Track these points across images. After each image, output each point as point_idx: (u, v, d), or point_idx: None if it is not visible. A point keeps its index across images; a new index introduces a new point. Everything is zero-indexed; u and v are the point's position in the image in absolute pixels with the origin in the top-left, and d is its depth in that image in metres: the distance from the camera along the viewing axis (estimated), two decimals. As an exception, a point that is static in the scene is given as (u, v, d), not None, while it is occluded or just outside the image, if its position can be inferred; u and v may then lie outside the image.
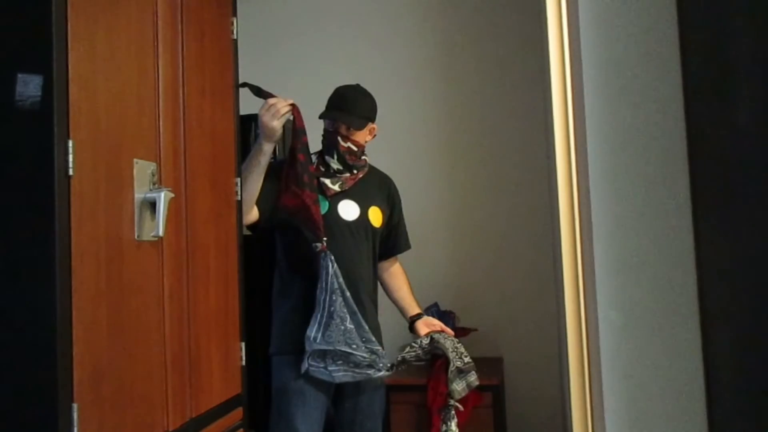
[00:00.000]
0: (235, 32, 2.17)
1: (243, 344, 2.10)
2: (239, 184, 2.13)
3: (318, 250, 2.13)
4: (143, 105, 1.62)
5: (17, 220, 1.33)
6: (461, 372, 2.24)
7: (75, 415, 1.31)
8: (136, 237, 1.54)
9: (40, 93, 1.30)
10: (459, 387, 2.24)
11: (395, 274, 2.46)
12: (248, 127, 2.70)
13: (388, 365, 2.18)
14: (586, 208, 1.22)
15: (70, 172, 1.32)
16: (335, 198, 2.28)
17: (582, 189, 1.31)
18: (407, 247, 2.49)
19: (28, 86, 1.31)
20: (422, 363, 2.44)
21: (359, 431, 2.29)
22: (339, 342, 2.08)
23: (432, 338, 2.28)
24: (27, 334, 1.31)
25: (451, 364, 2.23)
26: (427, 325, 2.34)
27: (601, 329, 1.15)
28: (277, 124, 2.13)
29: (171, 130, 1.73)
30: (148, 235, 1.58)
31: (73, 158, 1.33)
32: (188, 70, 1.83)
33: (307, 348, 2.11)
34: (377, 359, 2.13)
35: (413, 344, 2.27)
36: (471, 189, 3.31)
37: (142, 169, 1.58)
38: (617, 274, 1.15)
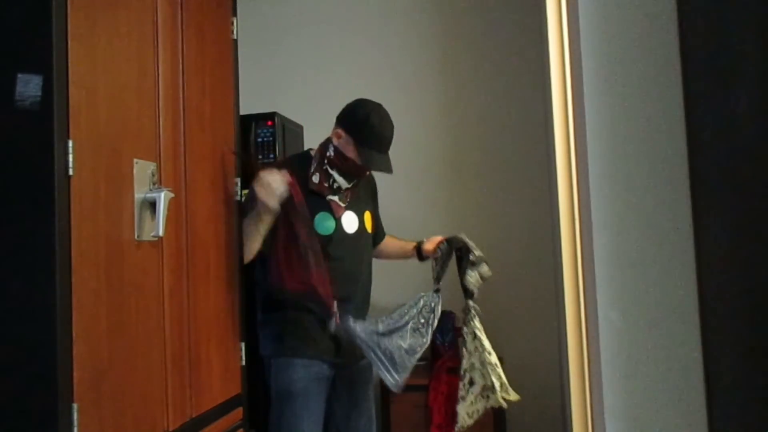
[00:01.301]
0: (235, 32, 2.17)
1: (243, 344, 2.10)
2: (239, 184, 2.12)
3: (334, 328, 2.10)
4: (143, 105, 1.62)
5: (17, 220, 1.33)
6: (473, 264, 2.26)
7: (75, 415, 1.31)
8: (136, 237, 1.54)
9: (40, 93, 1.30)
10: (472, 278, 2.26)
11: (381, 245, 2.49)
12: (248, 127, 2.71)
13: (434, 290, 2.24)
14: (586, 208, 1.22)
15: (70, 172, 1.33)
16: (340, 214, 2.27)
17: (582, 188, 1.31)
18: (384, 235, 2.51)
19: (28, 86, 1.31)
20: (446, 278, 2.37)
21: (354, 426, 2.30)
22: (409, 361, 2.14)
23: (446, 241, 2.32)
24: (27, 334, 1.31)
25: (473, 253, 2.27)
26: (431, 242, 2.37)
27: (601, 329, 1.15)
28: (273, 203, 2.03)
29: (171, 130, 1.73)
30: (148, 235, 1.58)
31: (73, 158, 1.33)
32: (188, 70, 1.83)
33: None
34: (426, 302, 2.20)
35: (434, 257, 2.32)
36: (471, 189, 3.31)
37: (142, 169, 1.58)
38: (617, 274, 1.15)
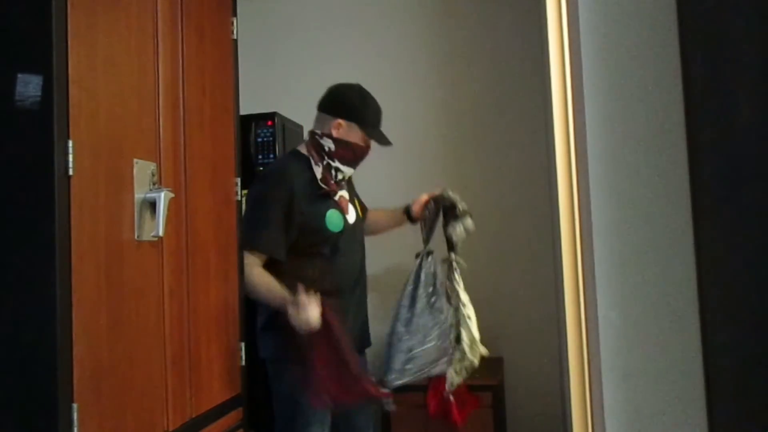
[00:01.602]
0: (235, 32, 2.17)
1: (243, 344, 2.10)
2: (239, 184, 2.12)
3: (392, 406, 2.17)
4: (143, 105, 1.62)
5: (17, 220, 1.33)
6: (457, 218, 2.29)
7: (75, 415, 1.31)
8: (136, 237, 1.54)
9: (40, 93, 1.30)
10: (458, 230, 2.28)
11: (370, 221, 2.48)
12: (248, 127, 2.71)
13: (426, 253, 2.27)
14: (586, 208, 1.22)
15: (70, 172, 1.33)
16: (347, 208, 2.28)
17: (582, 189, 1.31)
18: (367, 210, 2.50)
19: (28, 86, 1.31)
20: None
21: (353, 424, 2.29)
22: (445, 343, 2.21)
23: (432, 200, 2.34)
24: (27, 333, 1.31)
25: (458, 208, 2.29)
26: (417, 203, 2.39)
27: (601, 329, 1.15)
28: (304, 332, 2.01)
29: (171, 130, 1.73)
30: (148, 235, 1.58)
31: (73, 158, 1.33)
32: (188, 70, 1.83)
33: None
34: (426, 271, 2.24)
35: (424, 221, 2.35)
36: (471, 189, 3.30)
37: (142, 169, 1.58)
38: (617, 274, 1.15)
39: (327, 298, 2.12)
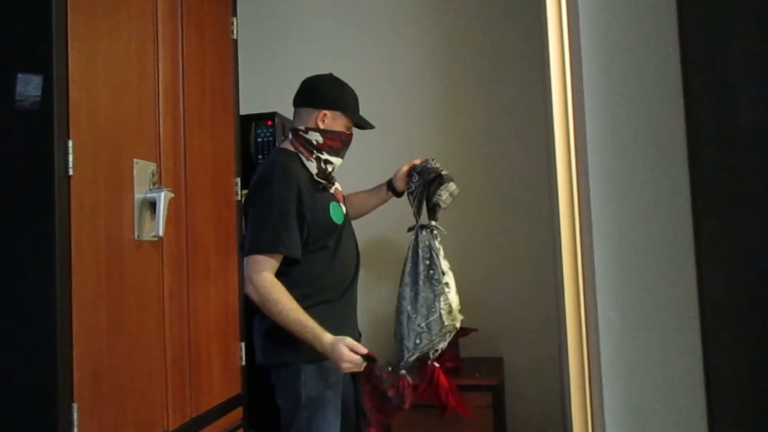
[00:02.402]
0: (235, 32, 2.18)
1: (243, 344, 2.10)
2: (239, 184, 2.12)
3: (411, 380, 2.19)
4: (143, 105, 1.62)
5: (17, 220, 1.33)
6: (441, 184, 2.31)
7: (75, 415, 1.31)
8: (136, 237, 1.54)
9: (40, 93, 1.30)
10: (443, 196, 2.30)
11: (354, 204, 2.47)
12: (248, 127, 2.71)
13: (420, 227, 2.30)
14: (586, 208, 1.22)
15: (70, 172, 1.33)
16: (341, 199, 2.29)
17: (582, 189, 1.31)
18: (343, 195, 2.47)
19: (28, 86, 1.31)
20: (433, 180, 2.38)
21: (354, 420, 2.29)
22: (450, 319, 2.24)
23: (414, 174, 2.36)
24: (27, 334, 1.31)
25: (441, 176, 2.31)
26: (399, 175, 2.41)
27: (601, 329, 1.15)
28: (345, 371, 2.02)
29: (171, 130, 1.73)
30: (148, 235, 1.58)
31: (73, 158, 1.33)
32: (188, 70, 1.83)
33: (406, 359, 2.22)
34: (422, 246, 2.29)
35: (410, 191, 2.37)
36: (470, 189, 3.31)
37: (142, 169, 1.58)
38: (617, 274, 1.15)
39: (336, 291, 2.13)
